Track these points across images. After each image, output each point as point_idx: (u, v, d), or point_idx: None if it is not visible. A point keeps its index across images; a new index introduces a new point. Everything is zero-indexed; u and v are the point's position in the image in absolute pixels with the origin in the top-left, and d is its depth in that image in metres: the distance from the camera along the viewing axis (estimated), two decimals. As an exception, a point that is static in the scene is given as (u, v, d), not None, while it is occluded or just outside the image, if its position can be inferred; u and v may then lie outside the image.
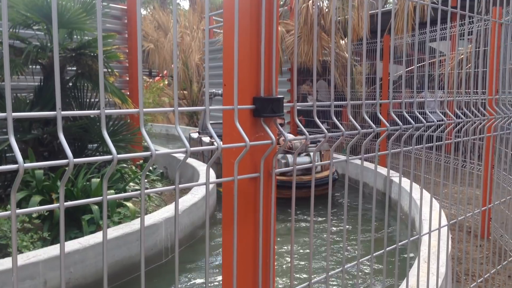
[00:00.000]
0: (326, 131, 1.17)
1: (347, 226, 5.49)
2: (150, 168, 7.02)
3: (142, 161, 7.16)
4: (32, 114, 0.77)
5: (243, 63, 1.06)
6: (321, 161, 6.99)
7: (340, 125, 1.22)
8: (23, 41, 5.58)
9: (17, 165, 0.69)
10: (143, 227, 0.85)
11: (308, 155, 7.01)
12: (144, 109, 0.86)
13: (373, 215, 1.42)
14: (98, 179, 4.90)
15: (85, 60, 5.76)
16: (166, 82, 19.46)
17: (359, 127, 1.25)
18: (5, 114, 0.71)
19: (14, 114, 0.70)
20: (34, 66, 5.79)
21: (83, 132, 5.76)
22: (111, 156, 0.79)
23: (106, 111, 0.81)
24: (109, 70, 6.18)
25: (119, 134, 6.22)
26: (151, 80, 18.60)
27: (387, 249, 1.40)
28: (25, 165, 0.69)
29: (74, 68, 6.06)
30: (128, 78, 8.30)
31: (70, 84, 6.07)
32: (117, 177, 5.41)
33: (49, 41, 5.63)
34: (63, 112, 0.76)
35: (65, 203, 0.76)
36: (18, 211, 0.71)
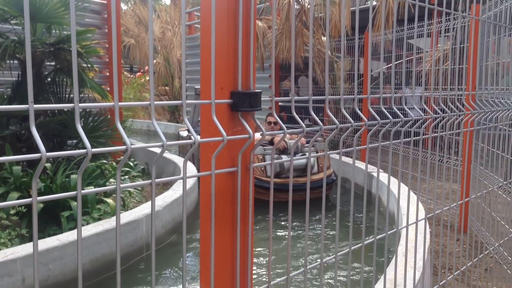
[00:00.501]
0: (304, 126, 1.18)
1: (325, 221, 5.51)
2: (131, 164, 6.97)
3: (122, 157, 7.10)
4: (4, 107, 0.76)
5: (220, 57, 1.06)
6: (318, 162, 6.65)
7: (318, 120, 1.23)
8: (0, 36, 5.48)
9: (40, 154, 0.68)
10: (118, 221, 0.84)
11: (304, 155, 6.95)
12: (120, 103, 0.86)
13: (351, 210, 1.43)
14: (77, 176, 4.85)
15: (64, 55, 5.68)
16: (147, 78, 19.31)
17: (337, 122, 1.26)
18: (27, 106, 0.69)
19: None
20: (11, 61, 5.70)
21: (62, 128, 5.69)
22: (85, 150, 0.78)
23: (80, 104, 0.80)
24: (89, 65, 6.10)
25: (99, 130, 6.16)
26: (132, 76, 18.44)
27: (365, 242, 1.41)
28: (48, 154, 0.68)
29: (53, 63, 5.98)
30: (108, 74, 8.21)
31: (49, 79, 5.98)
32: (97, 173, 5.36)
33: (27, 36, 5.54)
34: (35, 106, 0.75)
35: (39, 198, 0.75)
36: (40, 198, 0.70)
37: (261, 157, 6.12)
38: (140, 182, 0.83)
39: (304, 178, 6.37)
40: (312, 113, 1.24)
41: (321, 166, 6.59)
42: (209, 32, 1.02)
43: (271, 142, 6.21)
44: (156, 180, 0.92)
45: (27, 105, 0.74)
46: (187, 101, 0.97)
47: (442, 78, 1.97)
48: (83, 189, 4.46)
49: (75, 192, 0.80)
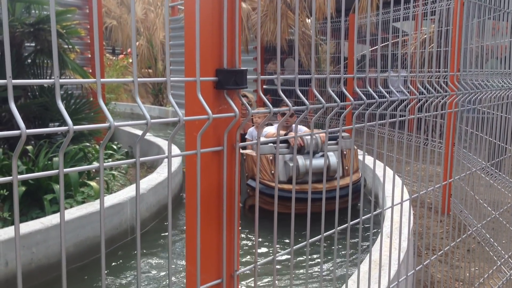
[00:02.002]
0: (290, 104, 1.16)
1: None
2: (115, 147, 6.90)
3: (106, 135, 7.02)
4: (-20, 83, 0.73)
5: (205, 34, 1.04)
6: (343, 164, 5.25)
7: (305, 99, 1.22)
8: (-23, 15, 5.33)
9: (19, 131, 0.65)
10: (102, 202, 0.82)
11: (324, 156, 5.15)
12: (102, 79, 0.83)
13: (337, 192, 1.42)
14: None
15: (44, 35, 5.56)
16: (130, 60, 19.06)
17: (323, 101, 1.25)
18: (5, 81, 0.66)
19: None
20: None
21: (44, 110, 5.60)
22: (67, 127, 0.76)
23: (61, 80, 0.77)
24: (70, 46, 5.99)
25: (82, 112, 6.08)
26: (114, 58, 18.19)
27: (351, 223, 1.42)
28: (28, 130, 0.66)
29: (33, 44, 5.85)
30: (90, 55, 8.08)
31: (29, 60, 5.86)
32: (80, 156, 5.30)
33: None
34: (14, 81, 0.72)
35: (20, 176, 0.72)
36: (20, 176, 0.67)
37: (271, 158, 4.95)
38: (124, 161, 0.82)
39: (326, 184, 4.72)
40: (298, 92, 1.22)
41: (346, 168, 5.23)
42: (194, 9, 0.99)
43: (284, 140, 4.89)
44: (141, 159, 0.91)
45: (5, 80, 0.71)
46: (172, 78, 0.94)
47: (426, 60, 1.96)
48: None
49: (57, 170, 0.78)
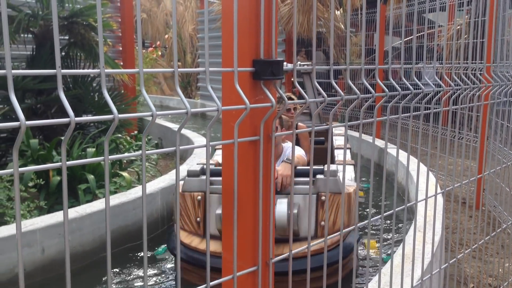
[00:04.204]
0: (325, 95, 1.17)
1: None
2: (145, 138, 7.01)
3: (136, 132, 7.15)
4: (31, 72, 0.76)
5: (242, 25, 1.05)
6: (317, 216, 3.30)
7: (339, 90, 1.22)
8: (14, 9, 5.47)
9: (18, 123, 0.68)
10: (144, 188, 0.85)
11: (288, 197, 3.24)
12: (144, 69, 0.85)
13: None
14: (93, 149, 4.90)
15: (78, 28, 5.67)
16: (160, 53, 19.26)
17: (358, 92, 1.25)
18: (5, 71, 0.69)
19: (13, 71, 0.69)
20: (25, 35, 5.70)
21: (77, 102, 5.72)
22: (112, 116, 0.79)
23: (106, 70, 0.80)
24: (103, 39, 6.08)
25: (113, 104, 6.18)
26: (144, 50, 18.38)
27: (384, 214, 1.41)
28: (27, 122, 0.68)
29: (67, 38, 5.97)
30: (121, 48, 8.19)
31: (63, 53, 5.99)
32: (112, 147, 5.40)
33: (40, 9, 5.53)
34: (63, 71, 0.75)
35: (68, 162, 0.76)
36: (21, 169, 0.71)
37: (199, 197, 3.34)
38: (165, 149, 0.84)
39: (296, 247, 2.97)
40: (334, 83, 1.22)
41: (323, 224, 3.27)
42: (231, 0, 1.01)
43: None
44: (181, 147, 0.93)
45: (55, 70, 0.74)
46: (210, 69, 0.96)
47: (458, 52, 1.93)
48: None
49: (103, 157, 0.81)
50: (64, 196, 0.77)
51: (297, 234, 3.21)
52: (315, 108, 5.59)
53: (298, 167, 3.39)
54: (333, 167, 3.80)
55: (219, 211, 3.02)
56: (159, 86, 17.71)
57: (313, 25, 1.14)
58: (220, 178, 2.97)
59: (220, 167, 2.96)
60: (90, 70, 0.81)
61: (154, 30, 17.90)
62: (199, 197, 3.33)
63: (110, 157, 0.81)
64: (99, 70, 0.80)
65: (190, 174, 3.44)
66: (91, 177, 4.36)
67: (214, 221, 3.16)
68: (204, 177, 3.36)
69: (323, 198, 3.25)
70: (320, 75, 9.16)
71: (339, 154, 4.72)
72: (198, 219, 3.37)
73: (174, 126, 8.22)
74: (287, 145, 3.70)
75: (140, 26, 0.88)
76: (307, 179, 3.27)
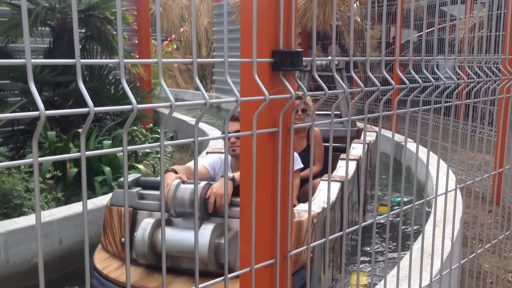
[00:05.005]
0: (345, 86, 1.15)
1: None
2: (159, 131, 7.04)
3: (152, 124, 7.18)
4: (50, 61, 0.76)
5: (262, 16, 1.04)
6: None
7: (359, 82, 1.20)
8: (31, 2, 5.52)
9: (38, 112, 0.68)
10: (162, 178, 0.85)
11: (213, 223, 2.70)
12: (163, 59, 0.85)
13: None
14: (110, 141, 4.93)
15: (94, 22, 5.70)
16: (175, 46, 19.29)
17: (378, 84, 1.23)
18: (24, 60, 0.69)
19: (33, 60, 0.69)
20: (43, 28, 5.74)
21: (94, 95, 5.76)
22: (131, 106, 0.78)
23: (125, 60, 0.79)
24: (118, 32, 6.12)
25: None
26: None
27: (403, 208, 1.39)
28: (47, 112, 0.68)
29: (83, 31, 6.01)
30: (137, 41, 8.22)
31: (80, 46, 6.03)
32: (127, 140, 5.43)
33: (57, 2, 5.56)
34: (82, 60, 0.75)
35: (87, 153, 0.75)
36: (40, 159, 0.70)
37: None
38: (183, 140, 0.84)
39: None
40: (353, 73, 1.21)
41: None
42: (251, -10, 0.99)
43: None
44: (199, 138, 0.92)
45: (74, 60, 0.74)
46: (229, 59, 0.95)
47: (477, 45, 1.88)
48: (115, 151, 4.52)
49: (121, 148, 0.80)
50: (83, 186, 0.77)
51: (232, 268, 2.46)
52: (346, 107, 5.15)
53: None
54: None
55: (145, 231, 2.49)
56: (174, 79, 17.75)
57: (333, 18, 1.13)
58: (156, 192, 2.62)
59: (159, 178, 2.74)
60: (109, 60, 0.80)
61: (170, 23, 17.94)
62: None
63: (128, 147, 0.81)
64: (117, 60, 0.79)
65: (121, 184, 2.95)
66: (107, 169, 4.39)
67: (140, 244, 2.48)
68: (136, 189, 2.78)
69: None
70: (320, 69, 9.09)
71: (341, 167, 3.66)
72: (123, 239, 2.73)
73: (190, 119, 8.25)
74: None
75: (159, 18, 0.87)
76: None
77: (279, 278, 1.09)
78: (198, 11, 17.20)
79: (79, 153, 0.75)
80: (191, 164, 3.45)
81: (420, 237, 2.86)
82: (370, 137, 4.86)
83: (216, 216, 2.57)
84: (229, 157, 3.17)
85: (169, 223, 2.66)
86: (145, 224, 2.53)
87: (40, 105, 0.67)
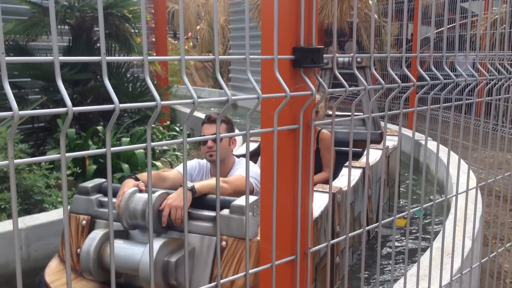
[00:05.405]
0: (366, 83, 1.15)
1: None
2: (177, 129, 7.08)
3: (169, 122, 7.22)
4: (76, 58, 0.77)
5: (283, 13, 1.04)
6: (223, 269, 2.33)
7: (380, 78, 1.19)
8: (51, 1, 5.58)
9: (66, 109, 0.69)
10: (185, 173, 0.85)
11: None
12: (186, 57, 0.85)
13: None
14: (128, 139, 4.98)
15: (112, 20, 5.75)
16: (191, 44, 19.38)
17: (399, 80, 1.22)
18: (51, 58, 0.71)
19: (61, 58, 0.70)
20: (62, 26, 5.81)
21: (112, 93, 5.81)
22: (155, 102, 0.79)
23: (149, 57, 0.80)
24: (136, 30, 6.16)
25: (147, 95, 6.26)
26: (175, 42, 18.53)
27: (424, 206, 1.39)
28: (74, 108, 0.69)
29: (102, 28, 6.06)
30: (154, 39, 8.27)
31: (98, 44, 6.09)
32: (144, 138, 5.48)
33: (77, 1, 5.62)
34: (108, 58, 0.76)
35: (113, 148, 0.76)
36: (68, 154, 0.72)
37: (84, 222, 2.61)
38: (206, 136, 0.84)
39: None
40: (374, 71, 1.20)
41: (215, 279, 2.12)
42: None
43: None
44: (221, 135, 0.93)
45: (100, 57, 0.75)
46: (251, 56, 0.95)
47: (497, 42, 1.86)
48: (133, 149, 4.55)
49: (145, 144, 0.82)
50: (108, 180, 0.78)
51: None
52: (368, 107, 4.94)
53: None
54: None
55: (91, 245, 2.25)
56: (191, 77, 17.83)
57: (354, 15, 1.12)
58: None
59: (119, 185, 2.38)
60: (133, 57, 0.81)
61: (186, 21, 18.03)
62: (84, 222, 2.56)
63: (152, 144, 0.82)
64: (142, 57, 0.80)
65: (81, 190, 2.65)
66: (125, 166, 4.44)
67: (84, 258, 2.26)
68: (96, 196, 2.57)
69: (223, 243, 2.25)
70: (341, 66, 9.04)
71: (343, 175, 3.44)
72: (78, 250, 2.50)
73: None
74: (240, 160, 2.92)
75: (182, 16, 0.88)
76: (210, 213, 2.32)
77: (299, 274, 1.09)
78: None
79: (105, 149, 0.76)
80: (165, 170, 3.11)
81: (440, 235, 2.84)
82: (391, 141, 4.52)
83: (174, 230, 2.34)
84: (207, 163, 2.96)
85: (125, 235, 2.39)
86: (93, 236, 2.28)
87: (68, 102, 0.69)
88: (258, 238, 2.12)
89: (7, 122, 4.47)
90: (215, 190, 2.15)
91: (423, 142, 5.92)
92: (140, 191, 2.40)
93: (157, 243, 2.15)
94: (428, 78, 1.32)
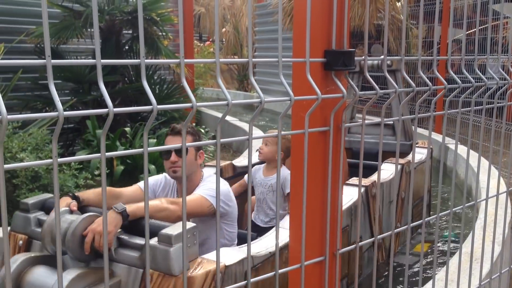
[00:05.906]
0: (396, 86, 1.15)
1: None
2: (202, 131, 7.14)
3: (194, 123, 7.28)
4: (116, 61, 0.80)
5: (315, 16, 1.05)
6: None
7: (411, 81, 1.19)
8: (81, 4, 5.71)
9: (107, 109, 0.72)
10: (218, 175, 0.87)
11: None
12: (221, 59, 0.87)
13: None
14: (155, 140, 5.05)
15: (141, 23, 5.83)
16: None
17: (430, 83, 1.22)
18: (94, 61, 0.73)
19: (103, 60, 0.73)
20: (92, 30, 5.93)
21: (139, 95, 5.90)
22: (191, 104, 0.81)
23: (185, 60, 0.83)
24: (163, 33, 6.24)
25: (173, 97, 6.34)
26: (201, 44, 18.69)
27: (453, 209, 1.38)
28: (115, 109, 0.72)
29: (130, 32, 6.17)
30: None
31: (126, 47, 6.19)
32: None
33: (107, 4, 5.73)
34: (146, 61, 0.78)
35: (149, 148, 0.79)
36: (108, 154, 0.74)
37: (19, 244, 2.35)
38: (238, 137, 0.85)
39: None
40: (404, 73, 1.20)
41: None
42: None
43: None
44: (253, 136, 0.94)
45: (139, 60, 0.77)
46: (283, 59, 0.97)
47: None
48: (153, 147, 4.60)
49: (180, 145, 0.84)
50: (145, 180, 0.80)
51: None
52: (398, 110, 4.27)
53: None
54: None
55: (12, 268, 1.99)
56: (216, 79, 17.94)
57: (385, 16, 1.13)
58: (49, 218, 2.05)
59: (76, 203, 2.07)
60: (171, 60, 0.84)
61: (212, 24, 18.13)
62: (21, 242, 2.34)
63: (187, 144, 0.84)
64: (178, 60, 0.83)
65: (21, 207, 2.40)
66: (152, 167, 4.50)
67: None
68: (35, 214, 2.32)
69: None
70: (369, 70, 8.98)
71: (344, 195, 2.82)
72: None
73: (231, 119, 8.32)
74: (209, 177, 2.56)
75: (218, 20, 0.90)
76: (141, 240, 2.01)
77: (328, 275, 1.10)
78: (240, 11, 17.33)
79: (142, 149, 0.79)
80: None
81: (469, 240, 2.79)
82: (420, 154, 3.97)
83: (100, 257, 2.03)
84: (172, 180, 2.61)
85: (52, 261, 2.09)
86: (12, 260, 2.01)
87: (109, 102, 0.71)
88: (190, 274, 1.90)
89: (38, 123, 4.58)
90: (154, 213, 2.07)
91: (450, 146, 5.83)
92: (71, 211, 2.12)
93: (71, 275, 1.88)
94: (460, 81, 1.31)
